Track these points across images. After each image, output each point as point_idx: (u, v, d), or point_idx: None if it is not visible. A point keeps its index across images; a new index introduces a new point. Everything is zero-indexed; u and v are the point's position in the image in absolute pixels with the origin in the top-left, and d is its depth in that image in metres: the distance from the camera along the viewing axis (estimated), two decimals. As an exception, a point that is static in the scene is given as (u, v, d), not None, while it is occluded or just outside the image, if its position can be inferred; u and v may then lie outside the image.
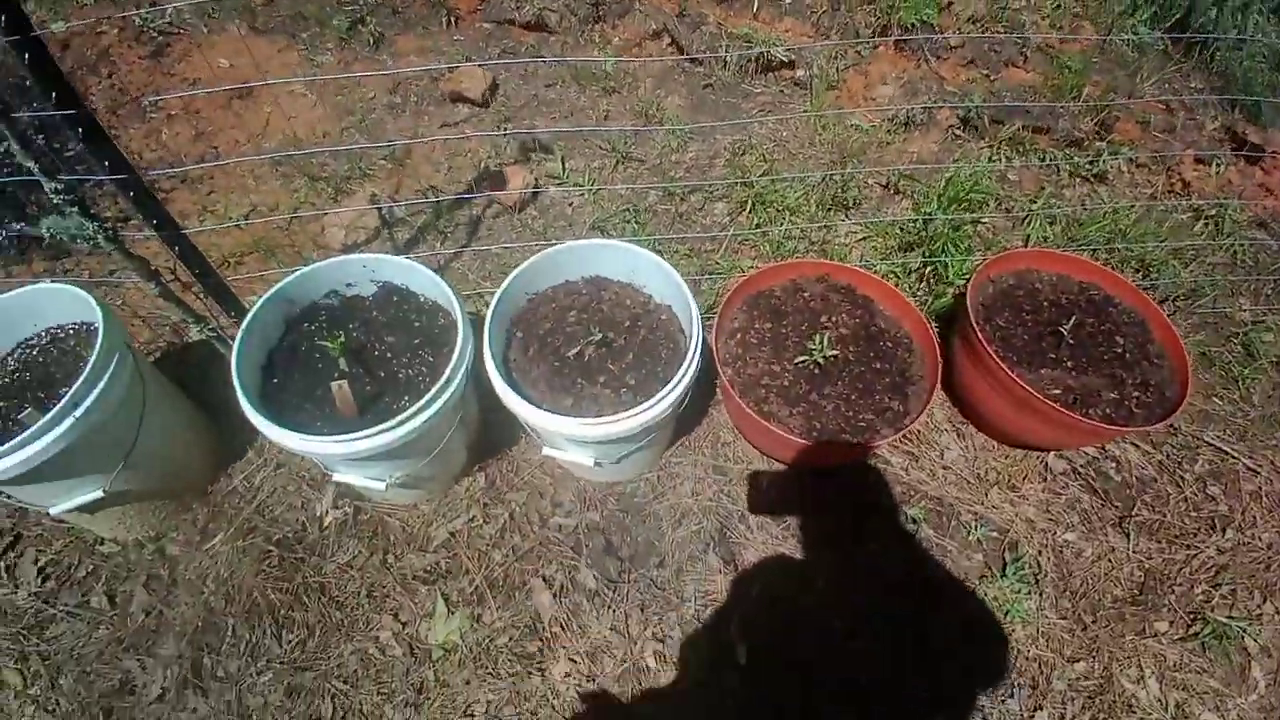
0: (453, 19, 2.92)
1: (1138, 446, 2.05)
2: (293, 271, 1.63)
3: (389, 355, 1.63)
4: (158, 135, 2.49)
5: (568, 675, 1.66)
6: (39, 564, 1.80)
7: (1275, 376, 2.13)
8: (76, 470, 1.51)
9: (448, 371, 1.48)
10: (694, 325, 1.57)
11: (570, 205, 2.45)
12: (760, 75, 2.83)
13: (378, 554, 1.78)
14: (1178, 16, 2.98)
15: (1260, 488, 1.93)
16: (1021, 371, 1.79)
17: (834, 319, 1.88)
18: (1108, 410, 1.78)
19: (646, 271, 1.75)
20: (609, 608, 1.74)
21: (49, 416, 1.37)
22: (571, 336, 1.70)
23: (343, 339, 1.53)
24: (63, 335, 1.70)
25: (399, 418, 1.40)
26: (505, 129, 2.61)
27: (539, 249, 1.71)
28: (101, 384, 1.45)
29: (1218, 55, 2.91)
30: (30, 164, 1.27)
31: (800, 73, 2.77)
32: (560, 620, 1.71)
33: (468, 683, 1.63)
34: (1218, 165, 2.51)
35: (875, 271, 2.22)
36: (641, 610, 1.74)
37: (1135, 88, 2.79)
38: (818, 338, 1.72)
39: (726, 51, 2.77)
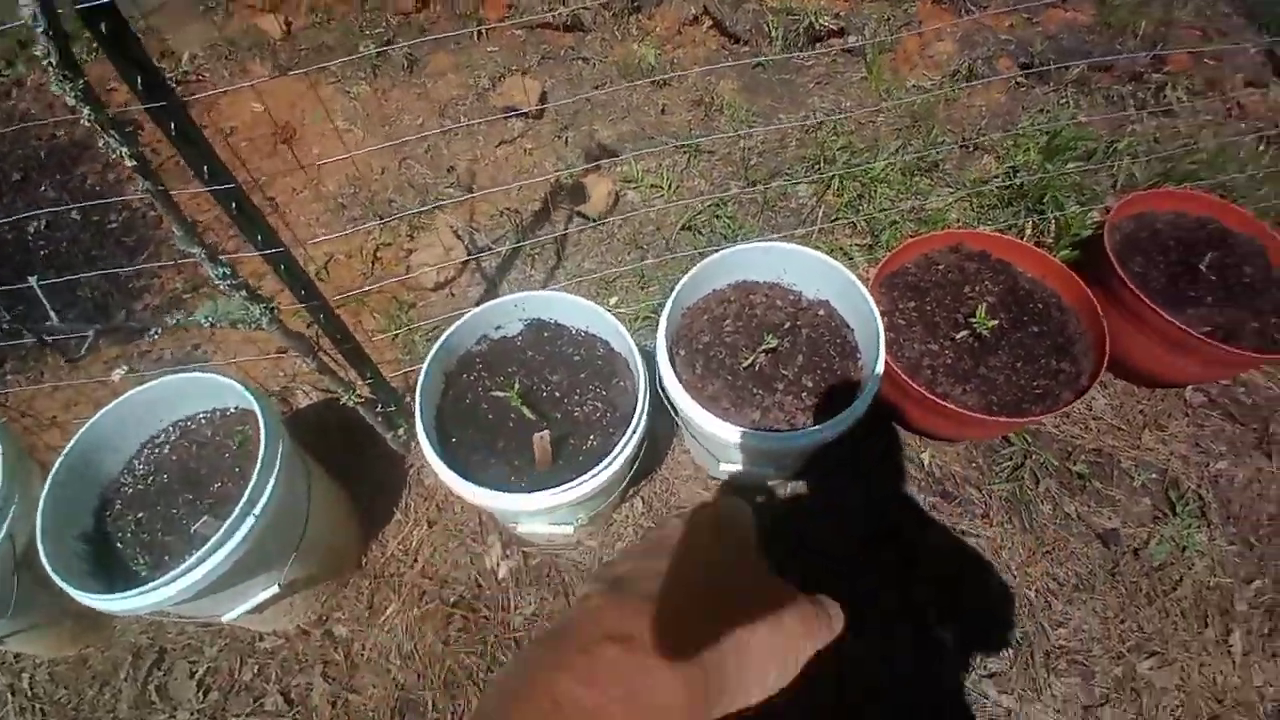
0: (483, 30, 2.79)
1: (1259, 370, 2.08)
2: (455, 317, 1.54)
3: (558, 395, 1.55)
4: (205, 196, 2.34)
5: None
6: (195, 676, 1.69)
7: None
8: (253, 572, 1.40)
9: (639, 402, 1.41)
10: (872, 306, 1.53)
11: (653, 208, 2.37)
12: (809, 47, 2.76)
13: (560, 596, 1.72)
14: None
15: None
16: (1171, 312, 1.78)
17: (978, 289, 1.84)
18: (1254, 340, 1.79)
19: (797, 267, 1.70)
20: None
21: (229, 522, 1.26)
22: (733, 347, 1.64)
23: (517, 386, 1.45)
24: (194, 427, 1.58)
25: (609, 458, 1.33)
26: (566, 137, 2.51)
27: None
28: (273, 477, 1.34)
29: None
30: (196, 249, 1.16)
31: (852, 39, 2.71)
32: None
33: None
34: (1267, 89, 2.53)
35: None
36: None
37: (1175, 17, 2.79)
38: (979, 310, 1.69)
39: (772, 29, 2.70)
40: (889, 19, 2.71)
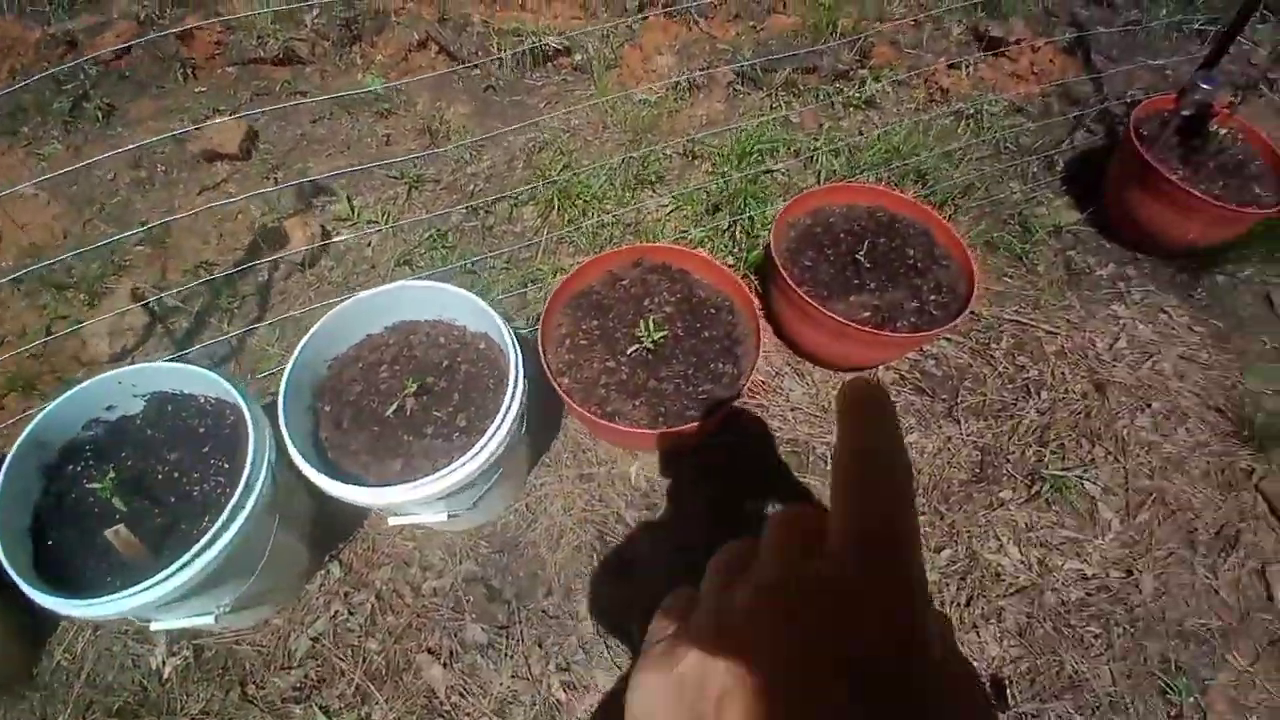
0: (189, 70, 2.62)
1: (950, 340, 2.18)
2: (31, 415, 1.39)
3: (175, 475, 1.44)
4: None
5: (480, 739, 1.57)
6: None
7: (1054, 244, 2.37)
8: None
9: (245, 475, 1.32)
10: (507, 341, 1.50)
11: (369, 245, 2.28)
12: (539, 67, 2.75)
13: (234, 689, 1.60)
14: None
15: (1061, 346, 2.12)
16: (833, 303, 1.86)
17: (656, 300, 1.86)
18: (913, 319, 1.88)
19: (452, 304, 1.65)
20: (506, 656, 1.66)
21: None
22: (388, 394, 1.58)
23: (112, 475, 1.33)
24: None
25: (197, 547, 1.24)
26: (275, 179, 2.38)
27: (339, 303, 1.57)
28: None
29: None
30: None
31: (578, 57, 2.72)
32: (457, 688, 1.62)
33: (375, 789, 1.51)
34: (968, 66, 2.73)
35: (690, 240, 2.25)
36: (540, 646, 1.67)
37: (884, 11, 2.96)
38: (643, 323, 1.70)
39: (499, 50, 2.67)
40: (609, 36, 2.74)
